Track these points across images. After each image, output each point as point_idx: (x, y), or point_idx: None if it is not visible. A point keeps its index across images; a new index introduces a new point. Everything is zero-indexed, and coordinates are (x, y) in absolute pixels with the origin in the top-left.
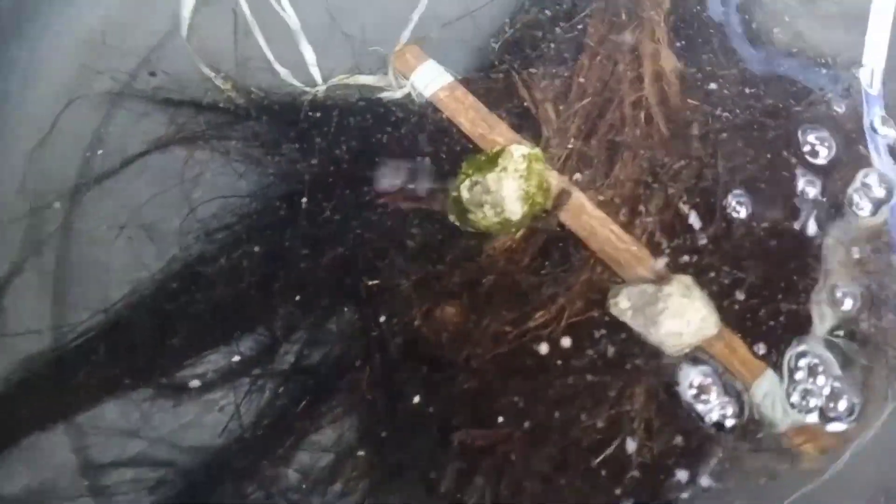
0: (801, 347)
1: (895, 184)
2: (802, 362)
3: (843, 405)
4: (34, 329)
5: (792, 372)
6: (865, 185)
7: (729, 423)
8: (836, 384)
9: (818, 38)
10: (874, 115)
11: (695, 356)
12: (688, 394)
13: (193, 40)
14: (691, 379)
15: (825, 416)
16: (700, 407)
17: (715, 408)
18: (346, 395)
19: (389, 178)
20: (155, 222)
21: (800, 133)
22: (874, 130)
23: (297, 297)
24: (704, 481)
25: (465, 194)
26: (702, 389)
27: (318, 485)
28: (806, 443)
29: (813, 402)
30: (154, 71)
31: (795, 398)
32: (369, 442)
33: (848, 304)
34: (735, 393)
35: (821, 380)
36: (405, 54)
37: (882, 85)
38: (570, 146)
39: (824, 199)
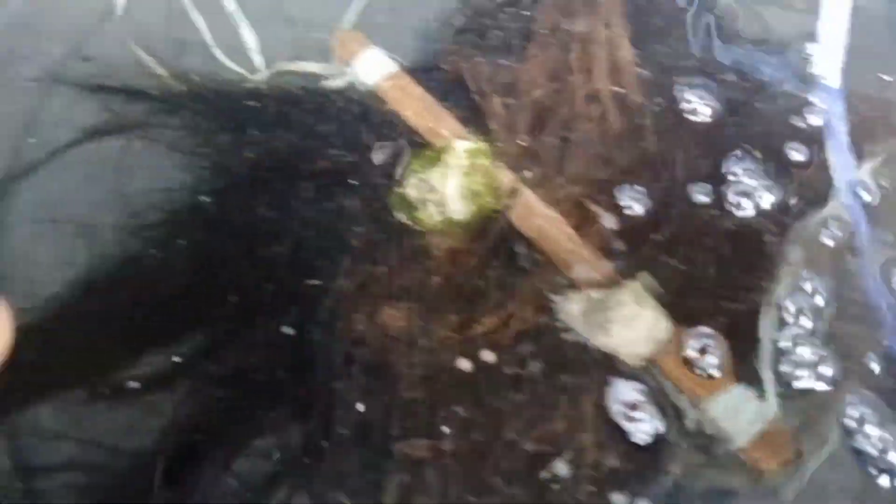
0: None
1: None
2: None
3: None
4: None
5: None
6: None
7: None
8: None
9: (784, 27)
10: (835, 113)
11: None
12: (618, 411)
13: (128, 23)
14: (622, 395)
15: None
16: (628, 425)
17: (644, 427)
18: (287, 401)
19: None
20: (87, 216)
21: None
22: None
23: (234, 298)
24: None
25: (410, 191)
26: (632, 407)
27: (259, 492)
28: (765, 458)
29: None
30: (87, 56)
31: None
32: (311, 450)
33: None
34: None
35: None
36: (348, 41)
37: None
38: (520, 141)
39: (786, 197)
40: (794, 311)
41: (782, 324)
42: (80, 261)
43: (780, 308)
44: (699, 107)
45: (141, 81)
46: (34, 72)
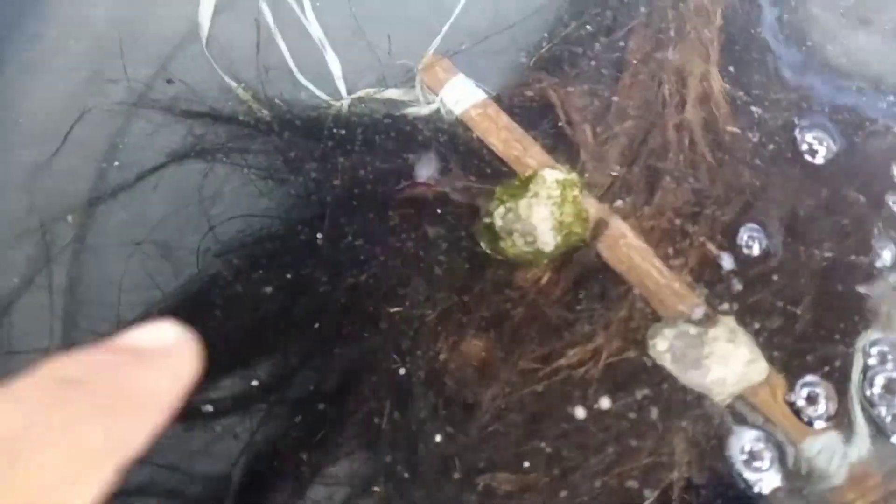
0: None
1: None
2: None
3: None
4: (42, 348)
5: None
6: None
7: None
8: None
9: (874, 58)
10: None
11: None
12: (738, 459)
13: (212, 47)
14: (742, 443)
15: None
16: (750, 475)
17: (766, 477)
18: (364, 427)
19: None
20: (170, 239)
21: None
22: None
23: (317, 325)
24: None
25: (497, 221)
26: (753, 456)
27: None
28: (856, 499)
29: None
30: (171, 78)
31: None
32: (387, 478)
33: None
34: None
35: None
36: (434, 67)
37: None
38: (613, 172)
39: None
40: (877, 355)
41: (868, 367)
42: (164, 284)
43: (866, 352)
44: (818, 147)
45: (225, 106)
46: (120, 95)
